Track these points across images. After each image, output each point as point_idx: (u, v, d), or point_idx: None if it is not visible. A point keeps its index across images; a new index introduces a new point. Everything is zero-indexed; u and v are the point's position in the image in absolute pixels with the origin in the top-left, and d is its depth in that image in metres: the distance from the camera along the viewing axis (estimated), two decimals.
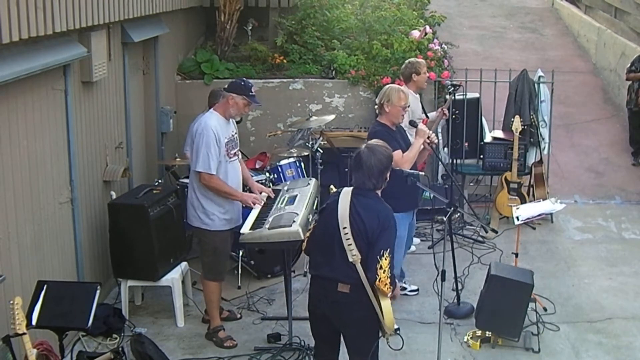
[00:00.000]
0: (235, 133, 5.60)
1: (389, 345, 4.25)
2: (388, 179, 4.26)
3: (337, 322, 4.20)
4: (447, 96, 7.74)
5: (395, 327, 5.68)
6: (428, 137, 5.65)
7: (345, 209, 4.09)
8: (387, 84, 7.85)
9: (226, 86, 5.52)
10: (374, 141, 4.37)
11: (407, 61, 7.01)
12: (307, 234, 4.49)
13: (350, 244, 4.02)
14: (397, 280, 4.26)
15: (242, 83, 5.43)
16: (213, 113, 5.45)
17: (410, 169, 5.47)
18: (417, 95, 6.88)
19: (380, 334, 4.19)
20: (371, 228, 4.03)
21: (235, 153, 5.53)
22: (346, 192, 4.19)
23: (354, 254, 4.01)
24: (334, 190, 4.45)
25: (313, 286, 4.30)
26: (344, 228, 4.04)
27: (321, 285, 4.21)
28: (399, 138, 5.68)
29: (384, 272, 3.95)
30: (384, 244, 3.98)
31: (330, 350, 4.42)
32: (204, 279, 5.64)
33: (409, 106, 5.75)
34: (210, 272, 5.58)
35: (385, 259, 3.95)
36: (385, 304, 4.04)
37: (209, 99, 6.61)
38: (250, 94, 5.38)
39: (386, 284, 3.96)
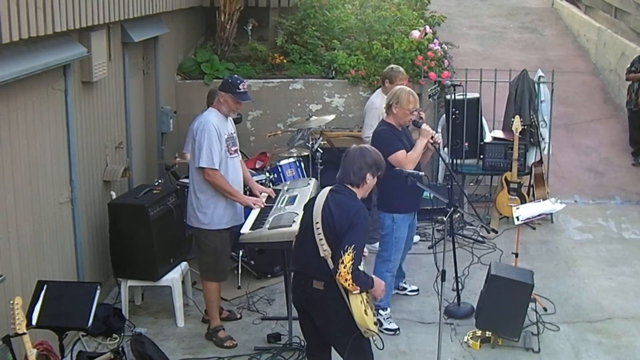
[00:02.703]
0: (234, 132, 5.59)
1: (375, 344, 4.26)
2: (369, 181, 4.30)
3: (314, 317, 4.26)
4: (429, 99, 7.73)
5: (395, 327, 5.73)
6: (432, 137, 5.65)
7: (320, 205, 4.17)
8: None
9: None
10: (366, 145, 4.49)
11: (390, 66, 7.17)
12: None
13: (322, 239, 4.08)
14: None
15: (230, 80, 5.41)
16: (212, 110, 5.45)
17: (414, 169, 5.48)
18: None
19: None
20: (339, 223, 4.09)
21: (235, 150, 5.53)
22: (325, 190, 4.29)
23: (324, 249, 4.07)
24: None
25: (293, 281, 4.39)
26: (317, 223, 4.12)
27: (298, 280, 4.30)
28: (404, 138, 5.69)
29: (344, 267, 3.98)
30: (349, 240, 4.02)
31: (318, 347, 4.44)
32: (203, 279, 5.64)
33: (416, 110, 5.74)
34: (209, 272, 5.57)
35: (348, 255, 3.98)
36: (355, 303, 4.07)
37: (208, 98, 6.64)
38: (238, 90, 5.34)
39: (346, 279, 3.99)
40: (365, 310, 4.11)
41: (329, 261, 4.06)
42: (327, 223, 4.11)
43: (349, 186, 4.28)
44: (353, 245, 4.01)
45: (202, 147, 5.26)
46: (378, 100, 6.99)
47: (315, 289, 4.16)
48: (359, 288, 4.06)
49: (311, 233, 4.14)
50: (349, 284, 4.01)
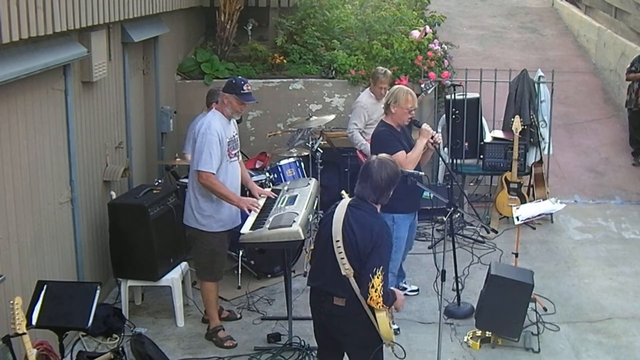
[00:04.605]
0: (236, 134, 5.59)
1: (394, 354, 4.22)
2: (390, 196, 4.20)
3: (334, 332, 4.20)
4: (422, 93, 7.88)
5: (395, 327, 5.72)
6: (432, 137, 5.64)
7: (340, 221, 4.03)
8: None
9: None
10: (383, 155, 4.28)
11: (377, 67, 7.53)
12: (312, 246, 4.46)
13: (343, 258, 3.96)
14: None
15: (234, 81, 5.39)
16: (215, 113, 5.43)
17: (415, 169, 5.48)
18: (376, 102, 7.24)
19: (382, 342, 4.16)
20: (363, 244, 3.96)
21: (235, 153, 5.52)
22: (343, 204, 4.14)
23: (346, 268, 3.96)
24: (346, 196, 4.35)
25: (311, 296, 4.29)
26: (337, 241, 3.99)
27: (318, 296, 4.19)
28: (403, 139, 5.69)
29: (375, 291, 3.88)
30: (376, 261, 3.90)
31: (331, 355, 4.41)
32: (200, 279, 5.63)
33: (415, 109, 5.75)
34: (206, 272, 5.56)
35: (378, 277, 3.87)
36: (380, 315, 4.00)
37: (207, 98, 6.65)
38: (242, 91, 5.32)
39: (378, 302, 3.91)
40: (389, 324, 4.06)
41: (351, 279, 3.96)
42: (349, 242, 3.97)
43: (371, 202, 4.12)
44: (381, 267, 3.89)
45: (203, 150, 5.24)
46: (364, 97, 7.31)
47: (336, 305, 4.06)
48: (387, 306, 4.00)
49: (330, 250, 4.01)
50: (379, 306, 3.93)
